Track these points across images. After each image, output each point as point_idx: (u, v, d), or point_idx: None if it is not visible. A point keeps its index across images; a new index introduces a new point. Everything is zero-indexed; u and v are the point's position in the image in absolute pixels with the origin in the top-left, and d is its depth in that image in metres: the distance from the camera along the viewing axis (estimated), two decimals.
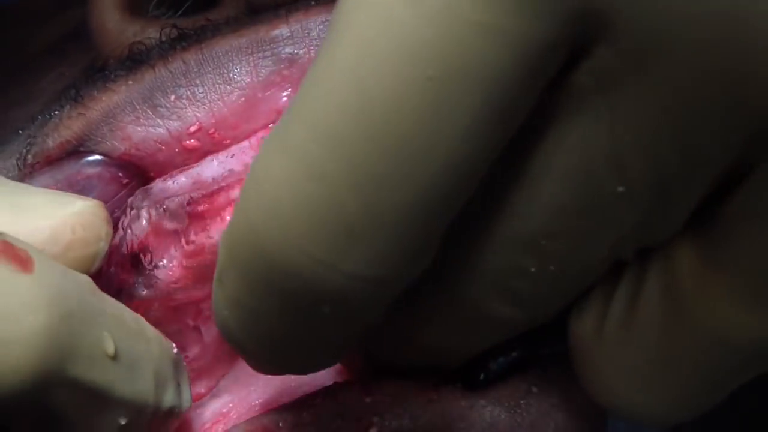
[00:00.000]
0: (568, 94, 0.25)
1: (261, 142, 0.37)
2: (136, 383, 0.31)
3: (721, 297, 0.26)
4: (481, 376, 0.33)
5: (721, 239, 0.26)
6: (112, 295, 0.33)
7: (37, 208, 0.33)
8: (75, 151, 0.38)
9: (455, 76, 0.22)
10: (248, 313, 0.29)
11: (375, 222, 0.25)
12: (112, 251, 0.37)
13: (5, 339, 0.26)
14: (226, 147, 0.38)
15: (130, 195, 0.39)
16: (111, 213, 0.37)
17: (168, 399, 0.33)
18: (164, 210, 0.38)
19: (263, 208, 0.26)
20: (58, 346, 0.27)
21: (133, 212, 0.38)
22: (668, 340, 0.27)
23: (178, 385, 0.34)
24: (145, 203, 0.38)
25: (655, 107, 0.24)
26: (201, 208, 0.38)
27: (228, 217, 0.37)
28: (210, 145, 0.38)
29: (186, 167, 0.38)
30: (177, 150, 0.38)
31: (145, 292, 0.38)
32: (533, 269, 0.28)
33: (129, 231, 0.38)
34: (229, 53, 0.37)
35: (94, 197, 0.37)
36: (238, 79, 0.37)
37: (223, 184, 0.37)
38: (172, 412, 0.33)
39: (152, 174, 0.39)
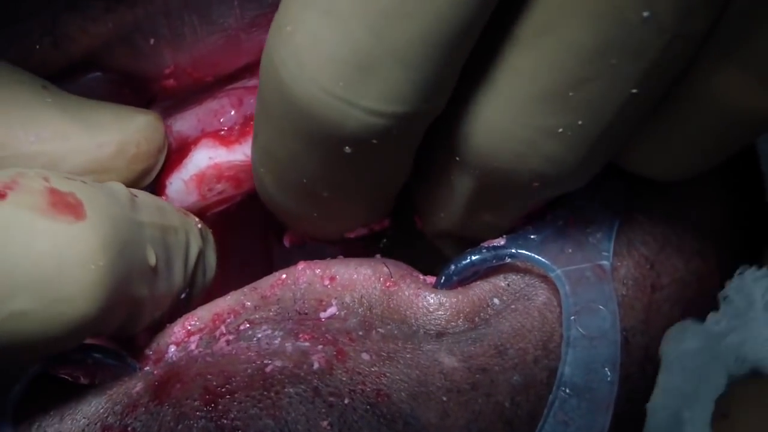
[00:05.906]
0: None
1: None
2: (171, 279, 0.33)
3: (733, 82, 0.29)
4: (442, 279, 0.34)
5: (731, 40, 0.28)
6: None
7: (103, 125, 0.34)
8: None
9: None
10: (278, 162, 0.31)
11: (389, 56, 0.26)
12: None
13: (69, 293, 0.27)
14: (209, 84, 0.40)
15: None
16: None
17: (199, 276, 0.35)
18: None
19: (283, 47, 0.27)
20: (116, 281, 0.29)
21: None
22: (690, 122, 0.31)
23: (204, 254, 0.36)
24: None
25: None
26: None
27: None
28: (190, 82, 0.39)
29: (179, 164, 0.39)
30: (157, 89, 0.39)
31: None
32: (560, 129, 0.28)
33: None
34: None
35: None
36: (221, 20, 0.38)
37: None
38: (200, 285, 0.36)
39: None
